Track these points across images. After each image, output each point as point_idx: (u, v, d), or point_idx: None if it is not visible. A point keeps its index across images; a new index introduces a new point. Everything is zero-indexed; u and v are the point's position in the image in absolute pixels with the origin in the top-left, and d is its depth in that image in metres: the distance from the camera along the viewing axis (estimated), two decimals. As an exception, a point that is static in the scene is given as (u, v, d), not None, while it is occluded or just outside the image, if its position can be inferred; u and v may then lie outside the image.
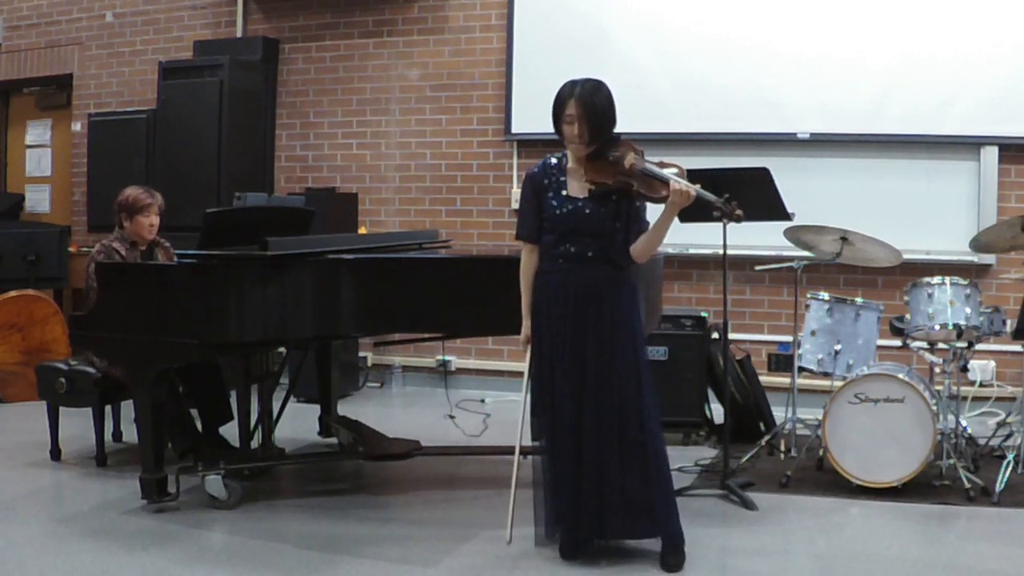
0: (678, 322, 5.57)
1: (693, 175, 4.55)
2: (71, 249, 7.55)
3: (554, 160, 3.78)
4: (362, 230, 7.04)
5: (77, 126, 8.15)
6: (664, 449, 3.75)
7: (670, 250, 6.31)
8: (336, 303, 4.22)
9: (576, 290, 3.69)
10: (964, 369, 5.01)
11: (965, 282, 4.74)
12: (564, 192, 3.71)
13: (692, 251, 6.49)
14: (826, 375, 5.00)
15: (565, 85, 3.69)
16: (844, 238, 4.88)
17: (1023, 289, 5.66)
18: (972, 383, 5.96)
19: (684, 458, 4.99)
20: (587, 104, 3.62)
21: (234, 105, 7.04)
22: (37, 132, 8.65)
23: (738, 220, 3.71)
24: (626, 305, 3.73)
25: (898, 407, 4.50)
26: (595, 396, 3.67)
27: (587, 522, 3.70)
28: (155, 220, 5.01)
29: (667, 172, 3.58)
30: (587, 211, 3.67)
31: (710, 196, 3.63)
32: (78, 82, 8.20)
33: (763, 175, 4.50)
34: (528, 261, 3.80)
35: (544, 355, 3.75)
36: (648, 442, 3.67)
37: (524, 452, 3.93)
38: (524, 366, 3.86)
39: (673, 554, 3.70)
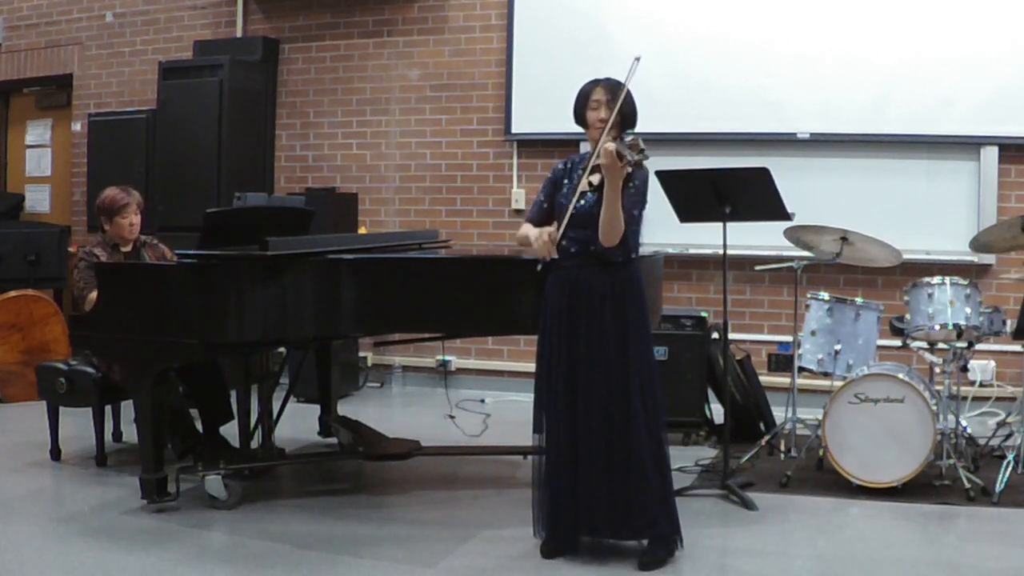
0: (678, 322, 5.57)
1: (693, 175, 4.62)
2: (71, 249, 7.54)
3: (579, 157, 3.85)
4: (362, 230, 7.03)
5: (77, 126, 8.15)
6: (659, 452, 3.73)
7: (670, 250, 6.30)
8: (336, 303, 4.22)
9: (570, 290, 3.72)
10: (964, 369, 5.01)
11: (965, 282, 4.74)
12: (571, 187, 3.77)
13: (692, 251, 6.48)
14: (826, 375, 5.00)
15: (588, 82, 3.81)
16: (844, 238, 4.88)
17: (1023, 289, 5.66)
18: (972, 383, 5.95)
19: (684, 458, 4.99)
20: (614, 90, 3.72)
21: (234, 105, 7.04)
22: (37, 132, 8.64)
23: (636, 160, 3.44)
24: (618, 307, 3.70)
25: (898, 407, 4.50)
26: (584, 398, 3.67)
27: (569, 523, 3.71)
28: (135, 219, 4.94)
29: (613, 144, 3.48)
30: (572, 204, 3.71)
31: (623, 148, 3.47)
32: (78, 82, 8.20)
33: (763, 175, 4.49)
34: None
35: (543, 354, 3.78)
36: (634, 446, 3.64)
37: (525, 452, 3.93)
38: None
39: (648, 552, 3.68)
